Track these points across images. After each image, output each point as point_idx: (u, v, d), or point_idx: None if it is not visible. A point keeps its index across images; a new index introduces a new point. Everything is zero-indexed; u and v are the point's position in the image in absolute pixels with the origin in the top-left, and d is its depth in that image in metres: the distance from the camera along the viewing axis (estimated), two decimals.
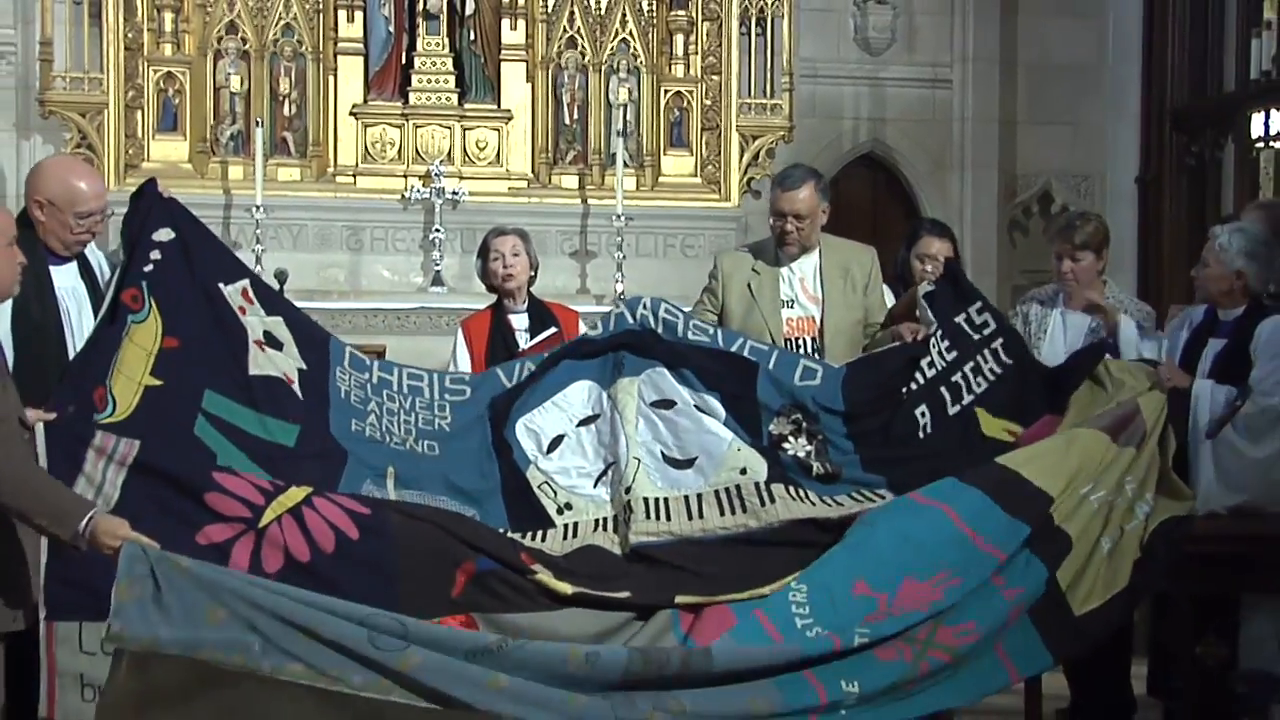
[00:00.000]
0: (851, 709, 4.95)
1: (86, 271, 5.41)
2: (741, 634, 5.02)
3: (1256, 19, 11.25)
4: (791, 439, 5.77)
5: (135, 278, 5.31)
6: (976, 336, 5.98)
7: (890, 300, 6.87)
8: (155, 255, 5.38)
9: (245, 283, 5.67)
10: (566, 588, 5.03)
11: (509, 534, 5.38)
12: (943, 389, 5.94)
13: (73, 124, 10.90)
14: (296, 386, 5.59)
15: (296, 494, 4.91)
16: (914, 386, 5.95)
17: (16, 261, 4.67)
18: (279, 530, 4.82)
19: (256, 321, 5.64)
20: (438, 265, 11.16)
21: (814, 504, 5.53)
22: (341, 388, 5.69)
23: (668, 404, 5.71)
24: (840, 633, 5.01)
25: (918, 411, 5.90)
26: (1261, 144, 10.15)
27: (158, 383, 5.20)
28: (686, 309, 6.30)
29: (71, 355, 5.30)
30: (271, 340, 5.65)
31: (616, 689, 4.69)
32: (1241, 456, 5.78)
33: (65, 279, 5.33)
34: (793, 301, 6.67)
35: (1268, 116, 9.84)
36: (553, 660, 4.67)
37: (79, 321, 5.37)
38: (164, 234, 5.42)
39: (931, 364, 5.99)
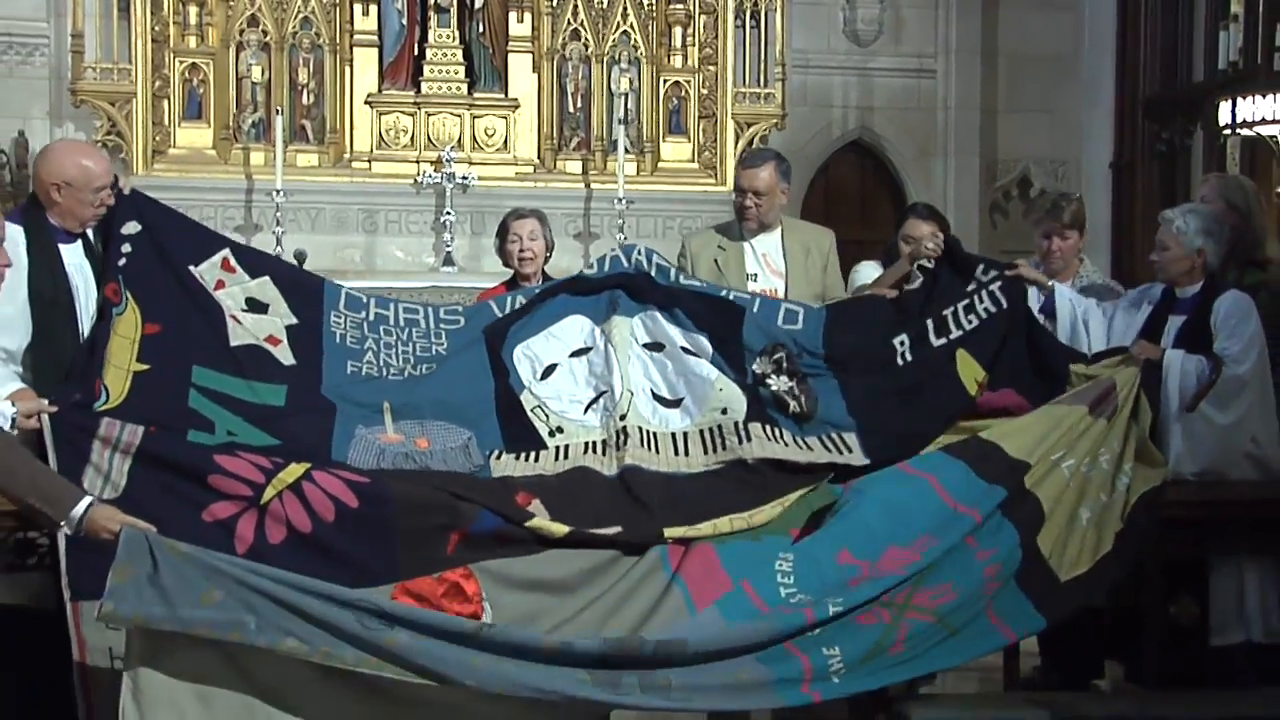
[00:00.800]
0: (842, 675, 4.91)
1: (89, 249, 5.39)
2: (729, 604, 4.98)
3: (1224, 12, 11.30)
4: (773, 376, 5.75)
5: (113, 271, 5.31)
6: (973, 285, 5.94)
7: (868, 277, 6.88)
8: (126, 248, 5.36)
9: (225, 253, 5.63)
10: (561, 529, 5.02)
11: (504, 455, 5.41)
12: (928, 321, 5.89)
13: (103, 112, 10.95)
14: (285, 344, 5.54)
15: (296, 470, 4.87)
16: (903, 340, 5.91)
17: (2, 264, 4.70)
18: (280, 505, 4.79)
19: (238, 290, 5.58)
20: (449, 246, 11.20)
21: (786, 444, 5.53)
22: (336, 333, 5.65)
23: (658, 346, 5.74)
24: (816, 602, 4.96)
25: (896, 340, 5.88)
26: (1229, 131, 10.11)
27: (145, 367, 5.17)
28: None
29: (82, 328, 5.29)
30: (254, 305, 5.58)
31: (598, 668, 4.67)
32: (1210, 423, 5.80)
33: (73, 256, 5.30)
34: (756, 276, 6.73)
35: (1234, 105, 9.78)
36: (531, 640, 4.65)
37: (86, 297, 5.32)
38: (131, 227, 5.39)
39: (919, 302, 5.97)
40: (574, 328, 5.82)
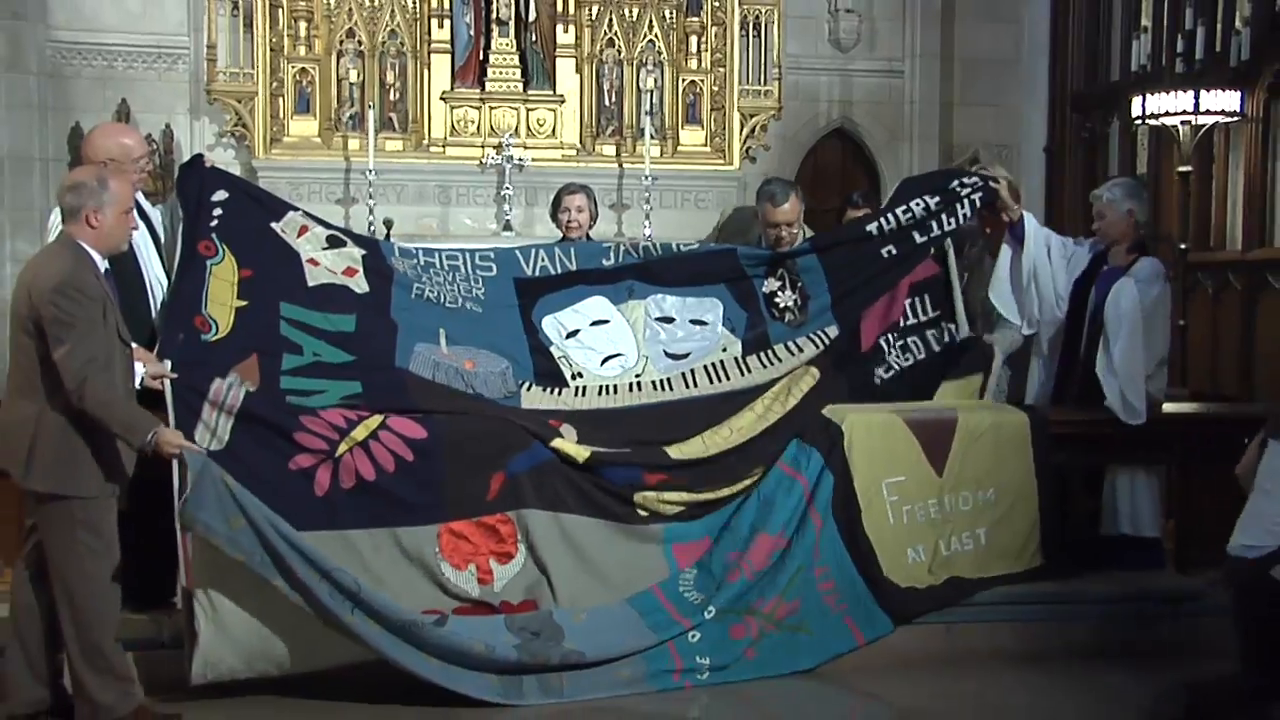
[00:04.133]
0: (707, 675, 5.08)
1: (141, 213, 5.27)
2: (640, 599, 5.15)
3: (1137, 24, 11.35)
4: (780, 292, 5.95)
5: (205, 231, 5.36)
6: (955, 191, 6.03)
7: None
8: (217, 212, 5.43)
9: (301, 211, 5.73)
10: (583, 452, 5.20)
11: (534, 387, 5.58)
12: (915, 232, 5.98)
13: (231, 108, 11.10)
14: (361, 273, 5.61)
15: (362, 431, 4.99)
16: (885, 226, 6.00)
17: (130, 226, 4.70)
18: (351, 459, 4.95)
19: (321, 230, 5.65)
20: (508, 215, 11.28)
21: (781, 361, 5.77)
22: (398, 268, 5.74)
23: (668, 320, 5.94)
24: (705, 603, 5.13)
25: (884, 250, 5.98)
26: (1139, 122, 10.18)
27: (244, 303, 5.28)
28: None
29: (146, 278, 5.32)
30: (334, 241, 5.65)
31: (508, 673, 4.85)
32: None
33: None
34: None
35: (1144, 100, 9.86)
36: (461, 644, 4.81)
37: (147, 253, 5.35)
38: (220, 195, 5.48)
39: (908, 210, 5.99)
40: (595, 305, 5.92)
